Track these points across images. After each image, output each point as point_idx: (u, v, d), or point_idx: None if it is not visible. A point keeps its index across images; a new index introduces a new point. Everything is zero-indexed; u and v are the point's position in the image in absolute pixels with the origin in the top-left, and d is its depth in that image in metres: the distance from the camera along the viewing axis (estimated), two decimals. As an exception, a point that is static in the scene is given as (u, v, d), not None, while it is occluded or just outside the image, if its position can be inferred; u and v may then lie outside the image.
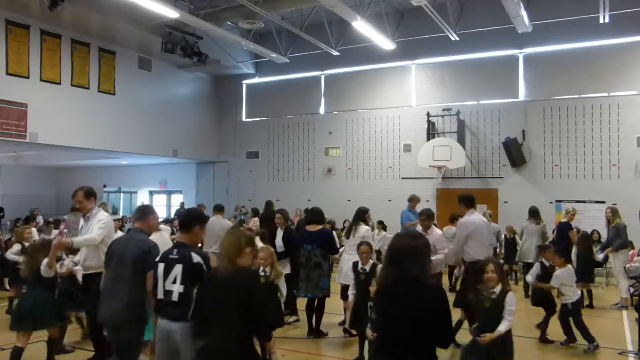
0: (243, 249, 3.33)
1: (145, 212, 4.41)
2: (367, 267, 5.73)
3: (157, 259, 3.82)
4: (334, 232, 13.41)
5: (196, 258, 3.60)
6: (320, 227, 7.02)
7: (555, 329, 6.76)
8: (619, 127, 12.94)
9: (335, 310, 7.59)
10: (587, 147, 13.27)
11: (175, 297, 3.54)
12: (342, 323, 7.16)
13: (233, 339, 3.14)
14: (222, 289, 3.20)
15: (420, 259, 2.78)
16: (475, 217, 6.48)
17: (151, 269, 3.84)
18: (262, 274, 5.44)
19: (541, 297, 6.99)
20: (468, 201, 6.55)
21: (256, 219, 11.02)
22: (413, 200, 10.53)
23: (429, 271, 2.88)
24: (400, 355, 2.71)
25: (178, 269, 3.58)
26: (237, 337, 3.14)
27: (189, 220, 3.86)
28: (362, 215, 7.17)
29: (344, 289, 6.54)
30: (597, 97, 13.20)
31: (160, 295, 3.64)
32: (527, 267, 9.15)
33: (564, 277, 6.50)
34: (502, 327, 4.52)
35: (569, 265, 6.71)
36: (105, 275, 4.24)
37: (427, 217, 6.70)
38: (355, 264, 5.93)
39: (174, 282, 3.57)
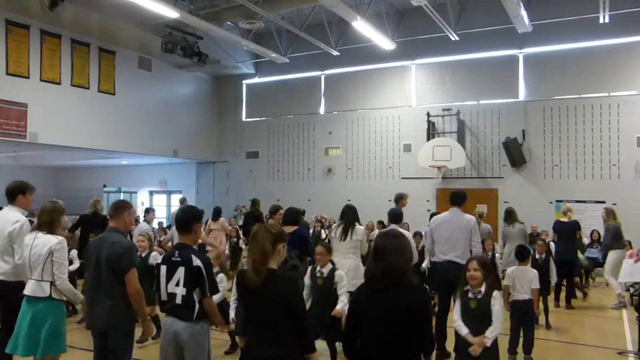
0: (270, 251, 3.11)
1: (120, 208, 4.07)
2: (325, 271, 5.27)
3: (159, 260, 3.76)
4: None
5: (196, 261, 3.53)
6: (295, 227, 6.52)
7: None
8: (619, 127, 12.94)
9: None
10: (587, 147, 13.28)
11: (179, 300, 3.52)
12: None
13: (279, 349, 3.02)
14: (261, 300, 3.08)
15: (402, 255, 2.93)
16: (444, 214, 6.19)
17: (129, 271, 3.80)
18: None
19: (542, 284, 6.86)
20: (451, 198, 6.19)
21: (222, 219, 11.00)
22: (404, 197, 9.90)
23: (410, 267, 3.03)
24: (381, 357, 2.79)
25: (181, 272, 3.53)
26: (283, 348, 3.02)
27: (188, 221, 3.74)
28: (355, 214, 6.64)
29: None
30: (597, 97, 13.20)
31: (163, 297, 3.62)
32: None
33: (517, 276, 5.88)
34: (489, 333, 4.11)
35: (528, 266, 6.12)
36: (86, 279, 4.09)
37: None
38: (313, 269, 5.56)
39: (177, 284, 3.52)
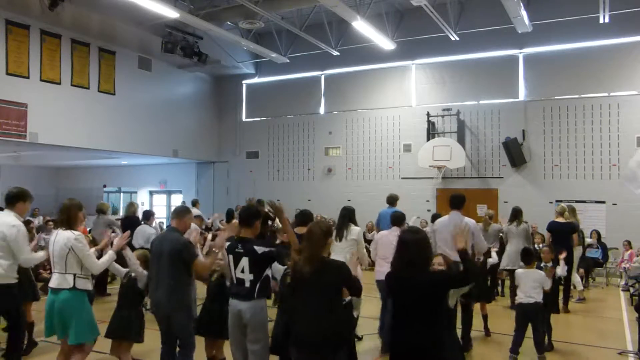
0: (324, 243, 3.77)
1: (182, 213, 4.89)
2: None
3: (225, 250, 4.40)
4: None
5: (260, 250, 4.15)
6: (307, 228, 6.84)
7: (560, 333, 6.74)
8: (619, 127, 12.94)
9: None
10: (587, 147, 13.27)
11: (247, 284, 4.14)
12: None
13: (330, 324, 3.58)
14: (315, 285, 3.63)
15: (424, 249, 3.49)
16: (445, 217, 6.35)
17: (193, 262, 4.54)
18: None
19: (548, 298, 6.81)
20: (450, 202, 6.38)
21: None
22: (398, 198, 9.76)
23: (430, 258, 3.63)
24: (413, 329, 3.34)
25: (245, 261, 4.16)
26: (331, 321, 3.60)
27: (250, 217, 4.37)
28: (352, 216, 6.88)
29: None
30: (597, 97, 13.19)
31: (233, 280, 4.25)
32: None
33: (523, 279, 5.92)
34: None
35: (536, 269, 6.07)
36: (150, 270, 4.76)
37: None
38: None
39: (243, 271, 4.16)
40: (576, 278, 9.56)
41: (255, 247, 4.17)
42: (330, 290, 3.63)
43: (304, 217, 6.77)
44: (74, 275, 4.54)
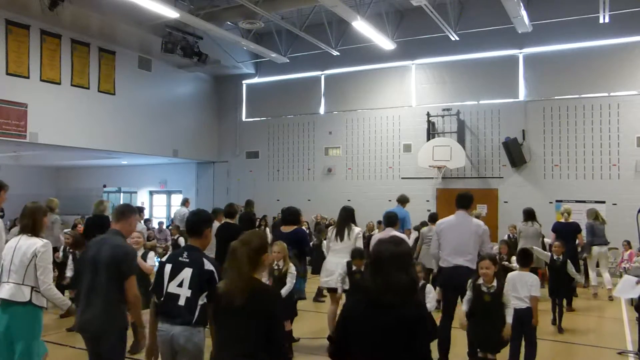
0: (257, 261, 3.03)
1: (127, 212, 4.02)
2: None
3: (165, 259, 3.66)
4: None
5: (208, 265, 3.44)
6: (294, 227, 6.65)
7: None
8: (619, 127, 12.94)
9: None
10: (587, 147, 13.27)
11: (182, 302, 3.39)
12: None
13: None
14: (240, 312, 2.91)
15: (407, 267, 2.58)
16: (451, 218, 5.92)
17: (129, 277, 3.72)
18: (275, 267, 5.70)
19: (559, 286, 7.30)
20: (457, 201, 5.94)
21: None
22: (409, 200, 10.01)
23: (417, 281, 2.94)
24: None
25: (187, 273, 3.42)
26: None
27: (199, 224, 3.66)
28: (352, 216, 6.71)
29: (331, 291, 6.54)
30: (597, 97, 13.19)
31: (162, 298, 3.49)
32: None
33: (516, 282, 5.32)
34: (509, 318, 4.73)
35: (530, 272, 5.50)
36: (82, 282, 3.92)
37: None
38: (349, 263, 5.81)
39: (180, 285, 3.41)
40: (592, 274, 10.05)
41: (205, 260, 3.45)
42: (252, 321, 2.87)
43: (290, 215, 6.73)
44: (32, 288, 3.91)
